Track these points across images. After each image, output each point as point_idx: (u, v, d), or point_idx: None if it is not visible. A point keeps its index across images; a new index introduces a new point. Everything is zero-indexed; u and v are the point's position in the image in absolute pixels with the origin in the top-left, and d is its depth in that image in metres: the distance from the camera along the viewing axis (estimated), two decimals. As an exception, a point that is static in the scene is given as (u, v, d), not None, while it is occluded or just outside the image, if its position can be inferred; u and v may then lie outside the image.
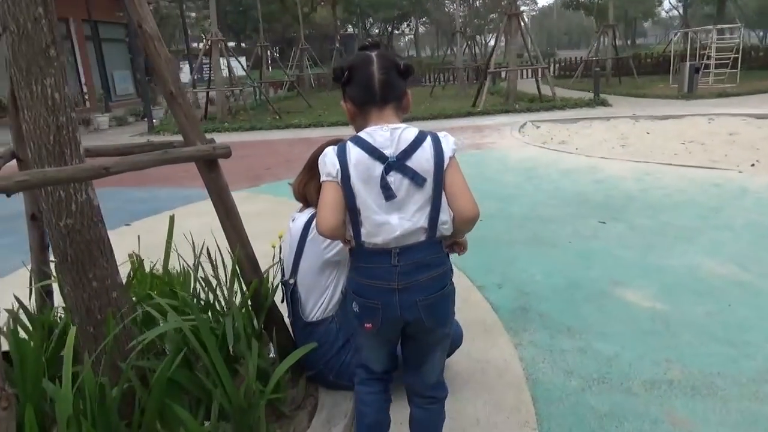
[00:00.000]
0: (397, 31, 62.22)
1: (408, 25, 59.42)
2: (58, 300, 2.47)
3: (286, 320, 2.53)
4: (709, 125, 10.25)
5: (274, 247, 2.60)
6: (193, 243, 2.75)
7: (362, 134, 1.63)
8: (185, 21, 24.91)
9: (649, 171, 6.64)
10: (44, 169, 1.85)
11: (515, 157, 8.02)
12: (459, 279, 3.70)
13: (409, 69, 1.67)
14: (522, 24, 15.01)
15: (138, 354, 2.06)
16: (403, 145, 1.60)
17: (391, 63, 1.64)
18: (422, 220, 1.62)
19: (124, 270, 2.52)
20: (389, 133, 1.60)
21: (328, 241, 2.20)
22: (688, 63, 15.74)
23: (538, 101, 14.75)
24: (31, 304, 2.55)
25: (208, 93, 16.42)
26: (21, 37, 1.87)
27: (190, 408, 2.14)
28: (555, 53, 50.67)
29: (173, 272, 2.86)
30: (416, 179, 1.59)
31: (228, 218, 2.36)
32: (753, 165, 6.72)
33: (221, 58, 15.34)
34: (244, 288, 2.43)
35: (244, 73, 18.64)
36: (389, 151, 1.59)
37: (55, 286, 2.52)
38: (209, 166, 2.29)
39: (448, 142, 1.63)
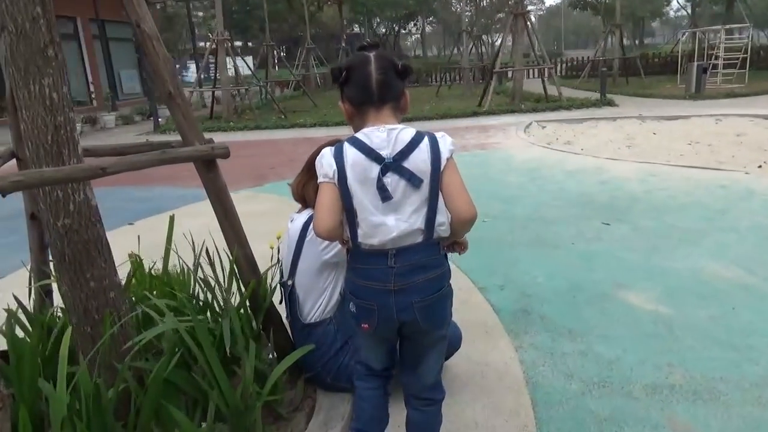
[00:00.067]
0: (404, 31, 62.19)
1: (415, 25, 59.39)
2: (57, 300, 2.47)
3: (285, 321, 2.52)
4: (716, 126, 10.17)
5: (272, 247, 2.59)
6: (193, 243, 2.74)
7: (359, 135, 1.63)
8: (192, 20, 24.98)
9: (655, 172, 6.59)
10: (40, 170, 1.85)
11: (520, 158, 7.98)
12: (461, 280, 3.70)
13: (407, 69, 1.66)
14: (528, 23, 14.93)
15: (136, 355, 2.06)
16: (400, 146, 1.59)
17: (389, 63, 1.63)
18: (419, 222, 1.61)
19: (125, 269, 2.53)
20: (386, 134, 1.59)
21: (327, 242, 2.18)
22: (695, 63, 15.64)
23: (544, 101, 14.69)
24: (31, 304, 2.55)
25: (213, 92, 16.45)
26: (19, 37, 1.86)
27: (187, 409, 2.14)
28: (562, 53, 50.50)
29: (174, 272, 2.87)
30: (413, 180, 1.58)
31: (226, 218, 2.35)
32: (760, 166, 6.65)
33: (227, 58, 15.37)
34: (243, 289, 2.42)
35: (249, 73, 18.66)
36: (386, 152, 1.58)
37: (55, 286, 2.52)
38: (208, 166, 2.28)
39: (445, 143, 1.62)
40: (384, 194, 1.58)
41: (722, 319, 3.04)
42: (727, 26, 18.83)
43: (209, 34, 18.60)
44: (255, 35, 40.85)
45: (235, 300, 2.42)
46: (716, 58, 17.48)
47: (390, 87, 1.62)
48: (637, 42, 51.42)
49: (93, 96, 19.88)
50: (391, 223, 1.60)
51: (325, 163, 1.62)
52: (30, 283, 2.60)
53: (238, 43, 42.27)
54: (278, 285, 2.49)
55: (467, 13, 28.50)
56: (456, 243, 1.82)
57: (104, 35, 20.62)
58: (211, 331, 2.30)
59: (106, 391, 1.89)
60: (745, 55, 17.12)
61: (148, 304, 2.27)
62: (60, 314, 2.46)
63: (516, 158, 7.97)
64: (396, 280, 1.63)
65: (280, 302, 2.49)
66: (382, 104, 1.63)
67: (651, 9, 45.71)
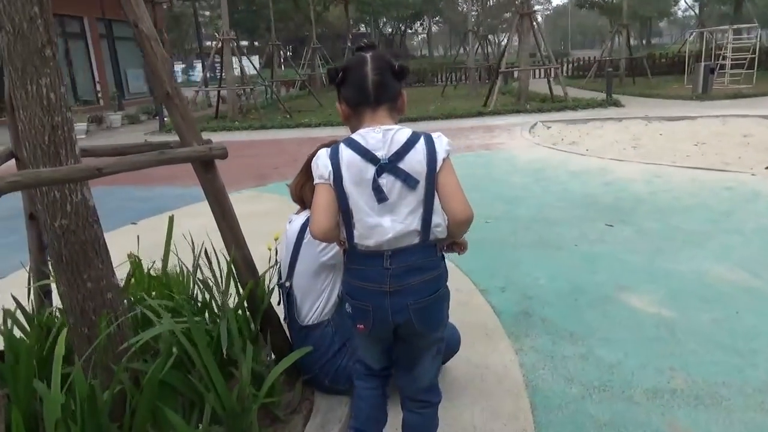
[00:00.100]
0: (410, 31, 62.19)
1: (421, 24, 59.37)
2: (56, 300, 2.47)
3: (284, 323, 2.51)
4: (723, 127, 10.10)
5: (270, 249, 2.58)
6: (193, 243, 2.74)
7: (355, 136, 1.62)
8: (198, 19, 25.04)
9: (660, 173, 6.54)
10: (37, 170, 1.85)
11: (524, 158, 7.95)
12: (462, 282, 3.69)
13: (404, 70, 1.66)
14: (534, 23, 14.88)
15: (134, 356, 2.05)
16: (395, 147, 1.58)
17: (386, 64, 1.63)
18: (415, 223, 1.61)
19: (127, 269, 2.53)
20: (381, 135, 1.59)
21: (324, 244, 2.18)
22: (702, 63, 15.54)
23: (549, 101, 14.63)
24: (30, 304, 2.55)
25: (219, 92, 16.48)
26: (16, 37, 1.86)
27: (184, 411, 2.13)
28: (569, 53, 50.31)
29: (173, 273, 2.86)
30: (408, 181, 1.57)
31: (224, 219, 2.35)
32: (767, 168, 6.59)
33: (233, 57, 15.39)
34: (241, 290, 2.41)
35: (255, 72, 18.68)
36: (381, 153, 1.58)
37: (54, 286, 2.52)
38: (205, 166, 2.27)
39: (441, 144, 1.61)
40: (379, 195, 1.57)
41: (726, 322, 3.01)
42: (735, 26, 18.69)
43: (215, 34, 18.64)
44: (261, 35, 40.93)
45: (233, 301, 2.41)
46: (724, 58, 17.36)
47: (386, 87, 1.62)
48: (644, 42, 51.15)
49: (99, 95, 19.96)
50: (387, 224, 1.59)
51: (321, 164, 1.62)
52: (29, 283, 2.60)
53: (244, 43, 42.40)
54: (276, 286, 2.48)
55: (473, 12, 28.45)
56: (455, 243, 1.82)
57: (111, 34, 20.69)
58: (209, 333, 2.30)
59: (101, 392, 1.89)
60: (753, 56, 16.99)
61: (145, 305, 2.26)
62: (58, 314, 2.46)
63: (520, 159, 7.94)
64: (391, 282, 1.63)
65: (279, 304, 2.48)
66: (378, 105, 1.62)
67: (658, 9, 45.46)
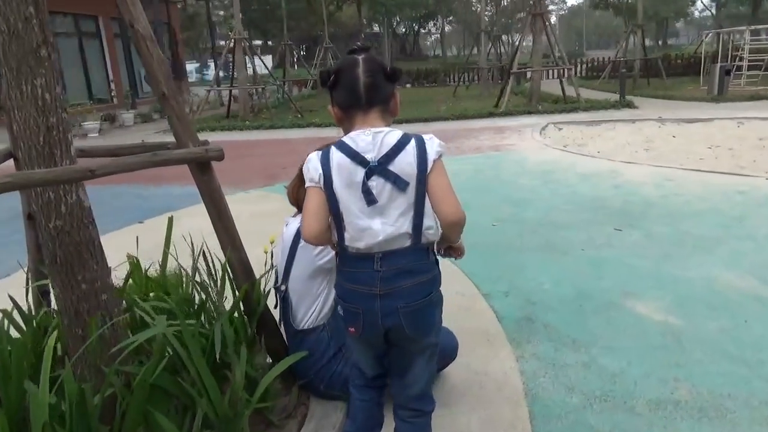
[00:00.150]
0: (423, 30, 62.06)
1: (434, 24, 59.22)
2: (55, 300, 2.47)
3: (281, 327, 2.49)
4: (738, 129, 9.94)
5: (266, 252, 2.56)
6: (192, 244, 2.72)
7: (345, 139, 1.62)
8: (211, 19, 25.16)
9: (672, 176, 6.44)
10: (28, 171, 1.84)
11: (534, 160, 7.87)
12: (464, 285, 3.64)
13: (396, 72, 1.64)
14: (546, 24, 14.75)
15: (128, 358, 2.04)
16: (385, 149, 1.57)
17: (378, 66, 1.61)
18: (405, 225, 1.59)
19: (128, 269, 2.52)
20: (371, 137, 1.58)
21: (320, 247, 2.15)
22: (718, 64, 15.31)
23: (561, 102, 14.51)
24: (28, 304, 2.55)
25: (230, 91, 16.54)
26: (11, 37, 1.85)
27: (177, 414, 2.11)
28: (584, 53, 49.92)
29: (173, 274, 2.85)
30: (398, 183, 1.56)
31: (220, 221, 2.33)
32: (782, 172, 6.47)
33: (245, 57, 15.44)
34: (237, 292, 2.39)
35: (267, 72, 18.74)
36: (371, 155, 1.56)
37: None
38: (201, 168, 2.25)
39: (432, 145, 1.58)
40: (369, 198, 1.56)
41: (733, 331, 2.94)
42: (753, 27, 18.41)
43: (229, 33, 18.72)
44: (275, 34, 41.08)
45: (229, 304, 2.39)
46: (740, 59, 17.10)
47: (378, 90, 1.60)
48: (660, 43, 50.61)
49: (113, 94, 20.12)
50: (377, 226, 1.58)
51: (312, 167, 1.61)
52: (27, 283, 2.60)
53: (258, 42, 42.57)
54: (272, 289, 2.45)
55: (487, 12, 28.30)
56: (451, 248, 1.80)
57: (125, 33, 20.84)
58: (204, 335, 2.28)
59: (91, 395, 1.87)
60: (770, 57, 16.73)
61: (141, 307, 2.25)
62: (55, 315, 2.45)
63: (530, 160, 7.86)
64: (381, 285, 1.61)
65: (275, 307, 2.46)
66: (369, 107, 1.61)
67: (675, 9, 44.92)
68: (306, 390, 2.43)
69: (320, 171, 1.59)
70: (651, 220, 4.87)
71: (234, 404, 2.09)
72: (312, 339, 2.30)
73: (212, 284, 2.50)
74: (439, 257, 1.77)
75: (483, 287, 3.62)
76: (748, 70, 16.88)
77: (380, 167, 1.55)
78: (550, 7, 56.21)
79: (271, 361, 2.54)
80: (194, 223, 3.45)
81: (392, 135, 1.59)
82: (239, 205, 6.09)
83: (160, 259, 2.73)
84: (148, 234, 3.18)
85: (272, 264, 2.49)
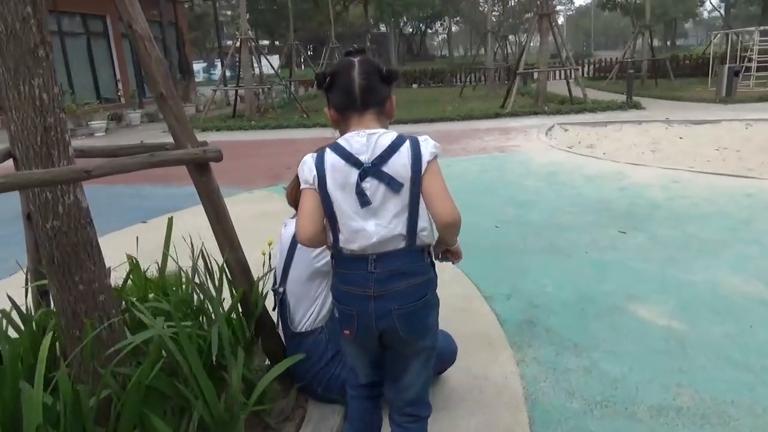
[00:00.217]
0: (430, 30, 61.98)
1: (441, 25, 59.13)
2: (54, 300, 2.46)
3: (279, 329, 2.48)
4: (746, 131, 9.85)
5: (264, 254, 2.54)
6: (192, 245, 2.71)
7: (340, 140, 1.62)
8: (218, 19, 25.23)
9: (678, 178, 6.38)
10: (22, 172, 1.83)
11: (539, 161, 7.82)
12: (466, 288, 3.62)
13: (392, 74, 1.64)
14: (553, 24, 14.68)
15: (125, 360, 2.03)
16: (379, 151, 1.56)
17: (373, 68, 1.61)
18: (399, 227, 1.58)
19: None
20: (366, 139, 1.57)
21: (318, 249, 2.14)
22: (727, 65, 15.19)
23: (568, 103, 14.44)
24: (27, 304, 2.55)
25: (236, 91, 16.57)
26: (9, 37, 1.85)
27: (174, 416, 2.10)
28: (591, 53, 49.71)
29: (173, 275, 2.84)
30: (392, 185, 1.55)
31: (218, 222, 2.32)
32: (790, 174, 6.40)
33: (252, 56, 15.47)
34: (235, 294, 2.38)
35: (273, 72, 18.76)
36: (365, 157, 1.56)
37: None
38: (200, 169, 2.24)
39: (427, 146, 1.57)
40: (363, 199, 1.56)
41: (738, 337, 2.90)
42: (762, 27, 18.23)
43: (236, 33, 18.77)
44: (282, 34, 41.14)
45: (228, 306, 2.38)
46: (750, 60, 16.96)
47: (373, 92, 1.60)
48: (668, 43, 50.32)
49: (120, 93, 20.20)
50: (371, 228, 1.58)
51: (306, 169, 1.62)
52: (27, 283, 2.60)
53: (265, 42, 42.64)
54: (270, 291, 2.44)
55: (494, 13, 28.20)
56: (449, 251, 1.79)
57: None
58: (202, 337, 2.27)
59: (87, 396, 1.87)
60: (780, 58, 16.58)
61: (138, 308, 2.24)
62: (53, 315, 2.44)
63: (535, 162, 7.82)
64: (375, 286, 1.61)
65: (274, 309, 2.44)
66: (365, 109, 1.61)
67: (684, 9, 44.65)
68: (304, 393, 2.41)
69: (314, 172, 1.59)
70: (656, 222, 4.83)
71: (230, 407, 2.08)
72: (310, 341, 2.29)
73: (211, 286, 2.49)
74: (436, 261, 1.76)
75: (485, 290, 3.59)
76: (757, 71, 16.74)
77: (374, 168, 1.55)
78: (558, 8, 56.00)
79: (269, 363, 2.53)
80: (197, 223, 3.43)
81: (386, 136, 1.58)
82: (243, 205, 6.09)
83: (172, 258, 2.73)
84: (152, 234, 3.17)
85: (270, 266, 2.47)
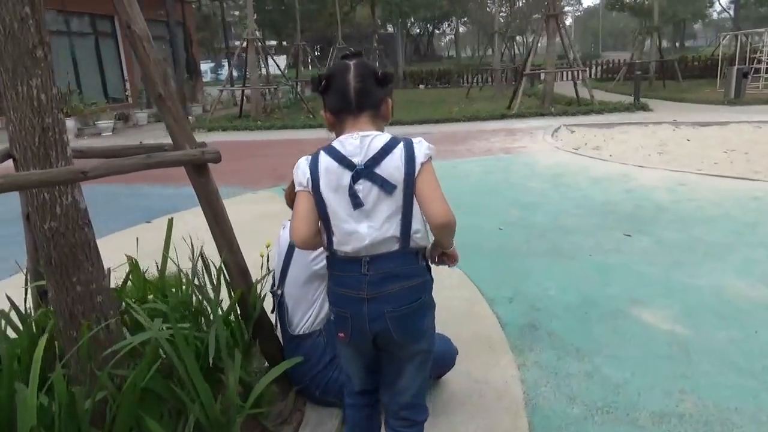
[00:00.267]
0: (438, 31, 61.88)
1: (449, 25, 59.02)
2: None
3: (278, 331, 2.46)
4: (755, 133, 9.77)
5: (262, 256, 2.53)
6: (192, 246, 2.70)
7: (334, 143, 1.62)
8: (225, 19, 25.30)
9: (685, 181, 6.33)
10: (19, 173, 1.83)
11: (544, 163, 7.78)
12: (468, 290, 3.60)
13: (388, 77, 1.64)
14: (560, 25, 14.62)
15: (123, 362, 2.02)
16: (372, 153, 1.56)
17: (369, 71, 1.62)
18: (392, 229, 1.57)
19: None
20: (359, 141, 1.57)
21: (316, 252, 2.12)
22: (735, 67, 15.07)
23: (575, 104, 14.37)
24: (25, 305, 2.55)
25: (243, 91, 16.61)
26: (7, 37, 1.84)
27: (171, 419, 2.09)
28: (599, 54, 49.47)
29: (173, 275, 2.83)
30: (385, 186, 1.54)
31: (217, 224, 2.31)
32: (799, 177, 6.33)
33: (259, 57, 15.49)
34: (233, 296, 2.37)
35: (279, 72, 18.79)
36: (357, 159, 1.56)
37: (50, 287, 2.51)
38: (198, 170, 2.23)
39: (421, 148, 1.57)
40: (355, 201, 1.56)
41: (743, 342, 2.86)
42: (772, 29, 18.09)
43: (242, 33, 18.81)
44: (290, 34, 41.19)
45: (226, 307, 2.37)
46: (759, 62, 16.82)
47: (368, 94, 1.60)
48: (677, 45, 50.00)
49: (128, 93, 20.29)
50: (363, 230, 1.57)
51: (300, 172, 1.63)
52: (26, 284, 2.60)
53: (272, 43, 42.68)
54: (269, 293, 2.43)
55: (502, 14, 28.13)
56: (445, 255, 1.78)
57: (141, 33, 20.99)
58: (200, 339, 2.26)
59: (82, 398, 1.86)
60: (790, 60, 16.43)
61: (134, 310, 2.23)
62: (51, 316, 2.44)
63: (540, 163, 7.78)
64: (369, 289, 1.60)
65: (272, 311, 2.43)
66: (360, 112, 1.61)
67: (693, 10, 44.33)
68: (302, 396, 2.40)
69: (308, 175, 1.60)
70: (662, 225, 4.78)
71: (226, 410, 2.07)
72: (308, 344, 2.27)
73: (210, 287, 2.48)
74: (432, 265, 1.74)
75: (487, 292, 3.57)
76: (766, 73, 16.59)
77: (367, 170, 1.55)
78: (566, 8, 55.76)
79: (268, 365, 2.52)
80: (198, 223, 3.43)
81: (380, 138, 1.58)
82: (246, 205, 6.09)
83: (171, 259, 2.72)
84: (156, 234, 3.15)
85: (268, 268, 2.46)
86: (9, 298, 2.41)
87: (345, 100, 1.59)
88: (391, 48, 35.15)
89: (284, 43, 43.92)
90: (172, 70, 22.65)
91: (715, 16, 57.08)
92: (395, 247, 1.59)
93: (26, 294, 2.59)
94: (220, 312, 2.32)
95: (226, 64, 24.76)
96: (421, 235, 1.60)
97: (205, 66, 36.53)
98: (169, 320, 2.08)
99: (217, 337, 2.12)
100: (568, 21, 61.19)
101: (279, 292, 2.31)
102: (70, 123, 13.76)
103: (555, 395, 2.48)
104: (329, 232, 1.62)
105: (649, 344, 2.87)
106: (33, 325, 2.37)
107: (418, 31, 57.29)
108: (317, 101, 20.24)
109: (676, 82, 19.21)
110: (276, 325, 2.42)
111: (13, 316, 2.37)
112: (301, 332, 2.27)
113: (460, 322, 3.16)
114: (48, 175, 1.82)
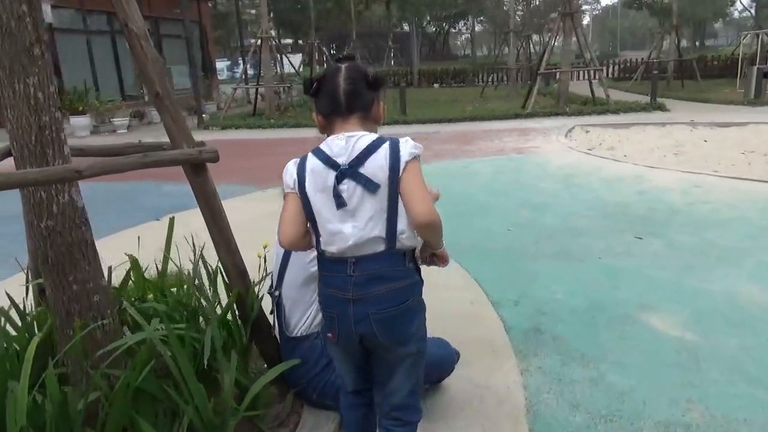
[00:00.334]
0: (453, 30, 61.64)
1: (465, 24, 58.76)
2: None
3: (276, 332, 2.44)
4: (774, 134, 9.55)
5: (259, 256, 2.51)
6: (194, 245, 2.69)
7: (322, 144, 1.62)
8: (240, 17, 25.42)
9: (700, 183, 6.20)
10: (14, 171, 1.82)
11: (556, 163, 7.68)
12: (474, 292, 3.55)
13: (378, 80, 1.65)
14: (576, 24, 14.44)
15: (121, 362, 2.01)
16: (356, 152, 1.56)
17: (359, 74, 1.62)
18: (377, 229, 1.56)
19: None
20: (344, 141, 1.57)
21: (313, 254, 2.09)
22: (756, 66, 14.77)
23: (590, 104, 14.20)
24: (29, 302, 2.55)
25: (257, 89, 16.66)
26: (4, 35, 1.84)
27: (166, 418, 2.07)
28: (617, 54, 48.93)
29: (173, 275, 2.82)
30: (368, 186, 1.53)
31: (215, 224, 2.28)
32: (819, 180, 6.18)
33: (274, 54, 15.53)
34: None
35: (293, 70, 18.83)
36: (342, 159, 1.56)
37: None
38: (196, 169, 2.21)
39: (406, 147, 1.55)
40: (339, 201, 1.56)
41: (755, 350, 2.77)
42: (795, 28, 17.73)
43: (256, 32, 18.86)
44: (305, 33, 41.31)
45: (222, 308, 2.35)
46: (780, 61, 16.48)
47: (358, 96, 1.61)
48: (697, 44, 49.26)
49: (143, 91, 20.45)
50: (348, 230, 1.57)
51: (287, 174, 1.65)
52: (27, 281, 2.60)
53: (288, 41, 42.80)
54: (267, 294, 2.41)
55: (519, 12, 27.91)
56: (435, 255, 1.77)
57: (157, 32, 21.20)
58: (197, 340, 2.24)
59: (76, 398, 1.85)
60: (812, 60, 16.07)
61: (133, 309, 2.22)
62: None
63: (552, 164, 7.68)
64: (354, 290, 1.59)
65: (271, 312, 2.41)
66: (349, 114, 1.61)
67: (713, 9, 43.63)
68: (299, 398, 2.37)
69: (295, 176, 1.62)
70: (674, 228, 4.69)
71: (221, 412, 2.05)
72: (305, 346, 2.25)
73: (210, 287, 2.47)
74: (423, 266, 1.72)
75: (493, 295, 3.51)
76: (788, 73, 16.24)
77: (351, 170, 1.54)
78: (584, 7, 55.18)
79: (266, 366, 2.50)
80: (202, 223, 3.42)
81: (365, 138, 1.57)
82: (255, 203, 6.09)
83: (171, 259, 2.71)
84: (161, 232, 3.15)
85: (266, 269, 2.44)
86: (9, 296, 2.41)
87: (335, 102, 1.60)
88: (406, 47, 35.07)
89: (300, 41, 44.04)
90: (189, 68, 22.83)
91: (736, 15, 56.13)
92: (381, 248, 1.57)
93: (27, 292, 2.59)
94: (217, 312, 2.31)
95: (241, 62, 24.87)
96: (407, 235, 1.58)
97: (222, 64, 36.74)
98: (166, 320, 2.06)
99: (212, 338, 2.10)
100: (586, 20, 60.58)
101: (277, 293, 2.29)
102: (86, 120, 13.92)
103: (558, 402, 2.42)
104: (316, 233, 1.63)
105: (657, 351, 2.80)
106: (35, 323, 2.37)
107: (433, 29, 57.10)
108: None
109: (695, 81, 18.89)
110: (274, 327, 2.39)
111: (14, 314, 2.38)
112: (298, 334, 2.25)
113: (463, 324, 3.11)
114: (42, 173, 1.81)
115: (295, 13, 39.59)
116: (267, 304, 2.44)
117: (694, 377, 2.57)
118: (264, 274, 2.51)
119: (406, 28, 46.84)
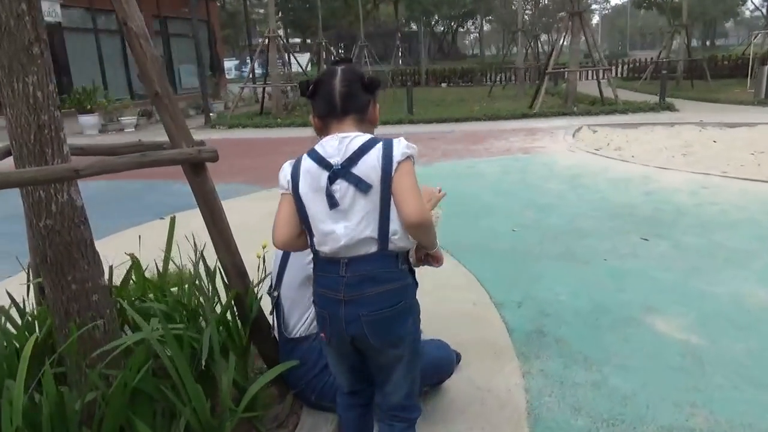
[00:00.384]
0: (462, 29, 61.51)
1: (473, 23, 58.62)
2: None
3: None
4: (785, 135, 9.44)
5: (258, 257, 2.50)
6: (195, 245, 2.68)
7: (316, 146, 1.62)
8: (248, 16, 25.49)
9: (708, 184, 6.14)
10: (13, 171, 1.81)
11: (563, 164, 7.63)
12: (477, 293, 3.52)
13: (374, 82, 1.65)
14: (584, 23, 14.35)
15: (119, 362, 2.00)
16: (349, 153, 1.56)
17: (355, 76, 1.63)
18: (369, 229, 1.55)
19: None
20: (338, 142, 1.57)
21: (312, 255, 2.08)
22: (767, 66, 14.62)
23: (599, 104, 14.11)
24: (31, 301, 2.55)
25: (264, 88, 16.69)
26: (3, 34, 1.84)
27: (164, 419, 2.07)
28: (627, 53, 48.65)
29: (174, 275, 2.82)
30: (360, 186, 1.53)
31: (214, 224, 2.28)
32: (829, 181, 6.09)
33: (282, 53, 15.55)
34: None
35: (301, 70, 18.84)
36: (335, 160, 1.56)
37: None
38: (195, 169, 2.21)
39: (399, 147, 1.55)
40: (331, 201, 1.56)
41: (761, 354, 2.73)
42: (806, 27, 17.53)
43: (263, 31, 18.91)
44: (314, 32, 41.36)
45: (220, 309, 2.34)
46: (792, 61, 16.31)
47: (353, 99, 1.61)
48: (707, 43, 48.88)
49: (152, 89, 20.55)
50: (340, 230, 1.57)
51: (282, 175, 1.66)
52: (28, 281, 2.61)
53: (296, 40, 42.88)
54: (267, 295, 2.39)
55: (527, 11, 27.79)
56: (429, 255, 1.78)
57: (166, 31, 21.32)
58: (196, 340, 2.23)
59: (73, 398, 1.84)
60: (824, 59, 15.89)
61: (132, 309, 2.21)
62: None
63: (559, 164, 7.63)
64: (346, 290, 1.59)
65: (271, 313, 2.40)
66: (344, 115, 1.62)
67: (723, 9, 43.26)
68: (298, 400, 2.36)
69: (289, 177, 1.63)
70: (681, 229, 4.64)
71: (219, 413, 2.04)
72: (304, 348, 2.23)
73: (210, 287, 2.46)
74: (418, 267, 1.71)
75: (496, 296, 3.49)
76: (799, 73, 16.07)
77: (343, 170, 1.55)
78: (593, 6, 54.89)
79: (266, 367, 2.49)
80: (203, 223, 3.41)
81: (358, 139, 1.57)
82: (259, 202, 6.09)
83: (175, 256, 2.70)
84: (165, 231, 3.15)
85: (265, 269, 2.43)
86: (9, 295, 2.42)
87: (330, 104, 1.61)
88: (414, 46, 35.03)
89: (308, 41, 44.10)
90: (197, 67, 22.91)
91: (747, 14, 55.63)
92: (373, 249, 1.56)
93: (28, 291, 2.59)
94: (217, 312, 2.30)
95: (249, 61, 24.93)
96: (400, 236, 1.57)
97: (230, 63, 36.85)
98: (164, 320, 2.06)
99: (211, 339, 2.09)
100: (595, 19, 60.25)
101: (275, 294, 2.28)
102: (94, 119, 13.99)
103: (559, 405, 2.40)
104: (310, 233, 1.63)
105: (661, 354, 2.77)
106: (35, 322, 2.37)
107: (441, 29, 56.99)
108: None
109: (705, 81, 18.72)
110: (273, 327, 2.38)
111: (15, 313, 2.38)
112: (297, 335, 2.24)
113: (465, 325, 3.09)
114: (41, 172, 1.81)
115: (303, 13, 39.67)
116: (267, 305, 2.43)
117: (698, 381, 2.53)
118: (263, 274, 2.49)
119: (414, 27, 46.79)
